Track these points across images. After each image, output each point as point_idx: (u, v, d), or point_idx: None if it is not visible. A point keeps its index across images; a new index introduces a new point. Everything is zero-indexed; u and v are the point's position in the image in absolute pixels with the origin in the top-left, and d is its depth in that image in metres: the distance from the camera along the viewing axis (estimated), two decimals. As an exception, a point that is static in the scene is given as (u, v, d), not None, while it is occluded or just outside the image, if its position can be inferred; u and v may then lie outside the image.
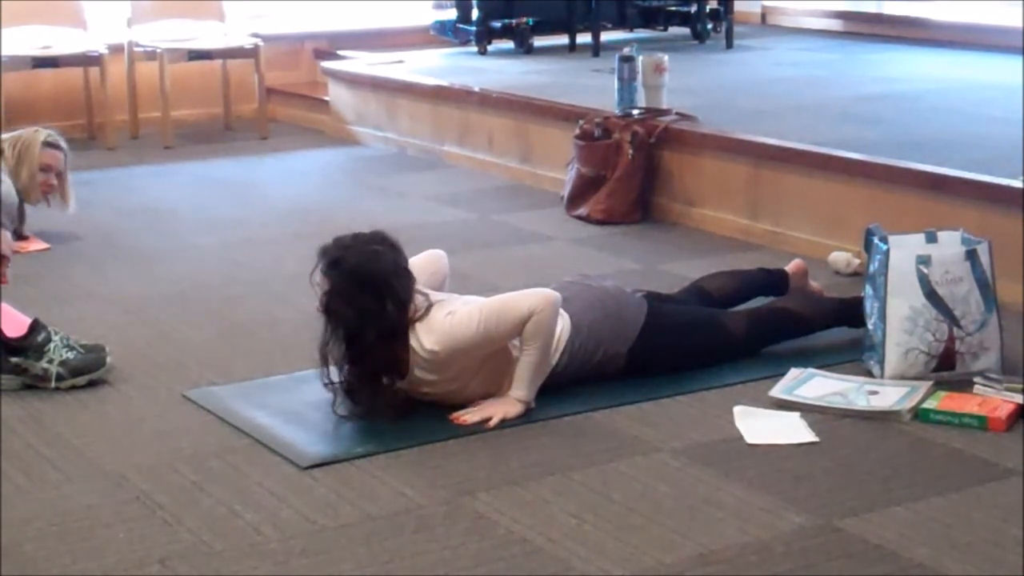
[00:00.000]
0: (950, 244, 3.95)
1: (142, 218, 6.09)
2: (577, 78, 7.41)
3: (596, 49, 8.22)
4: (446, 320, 3.61)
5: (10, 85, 7.48)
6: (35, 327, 3.97)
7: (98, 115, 7.86)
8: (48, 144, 5.57)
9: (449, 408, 3.67)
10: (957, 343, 3.85)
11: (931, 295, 3.83)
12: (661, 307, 4.02)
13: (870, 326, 3.96)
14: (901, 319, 3.85)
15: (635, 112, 6.00)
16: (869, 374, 3.93)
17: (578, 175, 5.98)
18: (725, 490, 3.22)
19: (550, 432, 3.59)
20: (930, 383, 3.80)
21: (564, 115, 6.39)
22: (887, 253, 3.88)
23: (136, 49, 7.87)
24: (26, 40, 7.71)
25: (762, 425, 3.60)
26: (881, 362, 3.88)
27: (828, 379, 3.87)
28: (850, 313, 4.17)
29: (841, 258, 5.00)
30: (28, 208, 5.59)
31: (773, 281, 4.51)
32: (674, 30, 8.85)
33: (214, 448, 3.52)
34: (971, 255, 3.87)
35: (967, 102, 6.51)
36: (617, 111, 6.05)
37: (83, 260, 5.41)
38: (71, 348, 3.98)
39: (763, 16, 9.66)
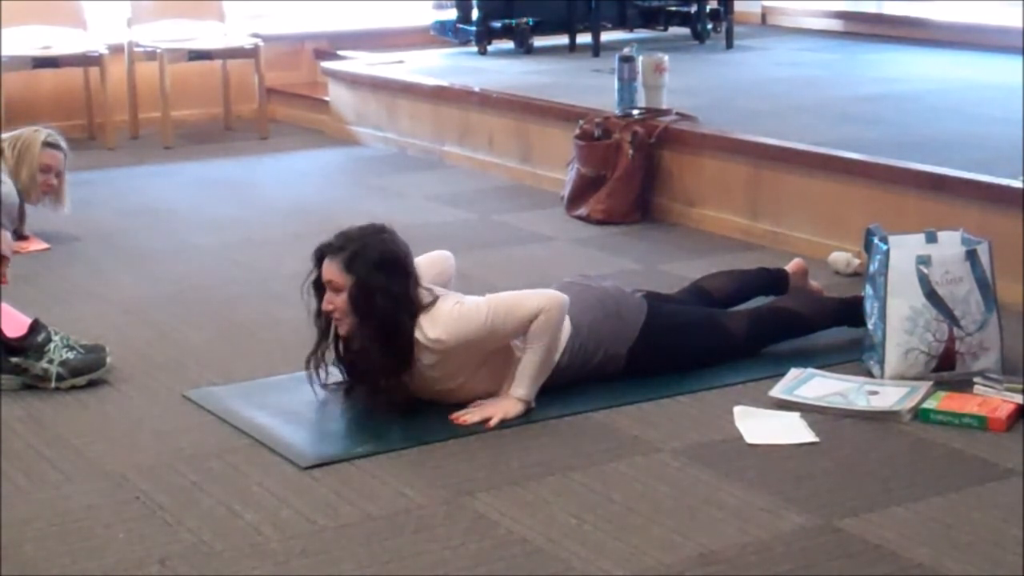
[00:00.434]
0: (950, 244, 3.95)
1: (142, 218, 6.09)
2: (577, 78, 7.41)
3: (596, 49, 8.22)
4: (454, 309, 3.62)
5: (10, 85, 7.48)
6: (35, 327, 3.98)
7: (98, 115, 7.85)
8: (48, 144, 5.57)
9: (451, 407, 3.67)
10: (957, 343, 3.85)
11: (931, 295, 3.83)
12: (661, 307, 4.02)
13: (870, 326, 3.96)
14: (901, 319, 3.85)
15: (635, 112, 6.00)
16: (869, 374, 3.93)
17: (578, 175, 5.98)
18: (725, 490, 3.22)
19: (550, 432, 3.59)
20: (930, 383, 3.80)
21: (564, 115, 6.39)
22: (887, 253, 3.88)
23: (136, 49, 7.87)
24: (26, 40, 7.71)
25: (762, 425, 3.60)
26: (881, 362, 3.88)
27: (828, 379, 3.87)
28: (850, 313, 4.17)
29: (841, 258, 5.00)
30: (28, 208, 5.59)
31: (773, 280, 4.51)
32: (674, 30, 8.85)
33: (214, 448, 3.52)
34: (971, 255, 3.87)
35: (967, 102, 6.51)
36: (617, 111, 6.05)
37: (83, 260, 5.40)
38: (71, 348, 3.98)
39: (763, 16, 9.66)
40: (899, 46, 8.40)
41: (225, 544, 3.00)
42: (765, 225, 5.47)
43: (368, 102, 7.83)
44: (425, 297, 3.66)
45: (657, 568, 2.86)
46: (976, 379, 3.76)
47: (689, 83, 6.84)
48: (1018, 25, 7.74)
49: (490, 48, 8.44)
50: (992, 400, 3.64)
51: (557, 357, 3.75)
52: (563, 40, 8.55)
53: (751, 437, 3.53)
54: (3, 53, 7.44)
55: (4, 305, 4.03)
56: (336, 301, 3.63)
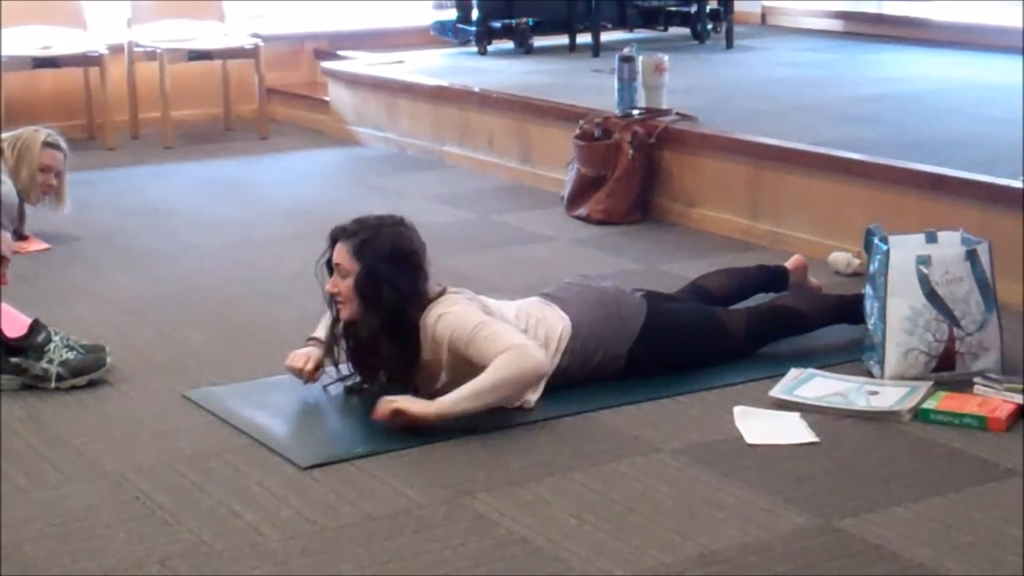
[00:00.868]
0: (950, 244, 3.95)
1: (142, 218, 6.09)
2: (577, 78, 7.41)
3: (596, 49, 8.22)
4: (458, 306, 3.63)
5: (10, 85, 7.48)
6: (35, 327, 3.97)
7: (98, 115, 7.85)
8: (48, 144, 5.57)
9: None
10: (957, 343, 3.85)
11: (931, 295, 3.83)
12: (660, 307, 4.01)
13: (870, 326, 3.96)
14: (901, 319, 3.85)
15: (635, 112, 6.00)
16: (869, 374, 3.93)
17: (578, 175, 5.98)
18: (725, 490, 3.22)
19: (550, 432, 3.59)
20: (930, 383, 3.80)
21: (564, 115, 6.39)
22: (887, 253, 3.88)
23: (136, 49, 7.87)
24: (26, 40, 7.71)
25: (762, 425, 3.60)
26: (881, 362, 3.88)
27: (828, 379, 3.87)
28: (850, 310, 4.17)
29: (841, 258, 5.01)
30: (28, 208, 5.59)
31: (773, 277, 4.52)
32: (674, 30, 8.85)
33: (214, 448, 3.52)
34: (971, 255, 3.87)
35: (967, 102, 6.51)
36: (617, 111, 6.05)
37: (83, 260, 5.40)
38: (71, 348, 3.98)
39: (763, 16, 9.66)
40: (899, 46, 8.40)
41: (225, 544, 3.00)
42: (765, 225, 5.47)
43: (368, 102, 7.83)
44: (434, 290, 3.67)
45: (657, 568, 2.86)
46: (976, 379, 3.76)
47: (689, 83, 6.84)
48: (1018, 25, 7.74)
49: (490, 48, 8.44)
50: (992, 400, 3.64)
51: (556, 358, 3.75)
52: (563, 40, 8.55)
53: (751, 437, 3.53)
54: (3, 53, 7.44)
55: (4, 305, 4.03)
56: (341, 285, 3.66)
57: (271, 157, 7.50)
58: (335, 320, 3.76)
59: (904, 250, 3.89)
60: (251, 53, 7.96)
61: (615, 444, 3.51)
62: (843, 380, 3.86)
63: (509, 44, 8.49)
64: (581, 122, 6.05)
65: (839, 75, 7.52)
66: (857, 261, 4.90)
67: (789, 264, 4.56)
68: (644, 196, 5.88)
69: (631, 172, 5.83)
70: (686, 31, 8.80)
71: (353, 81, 8.00)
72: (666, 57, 6.06)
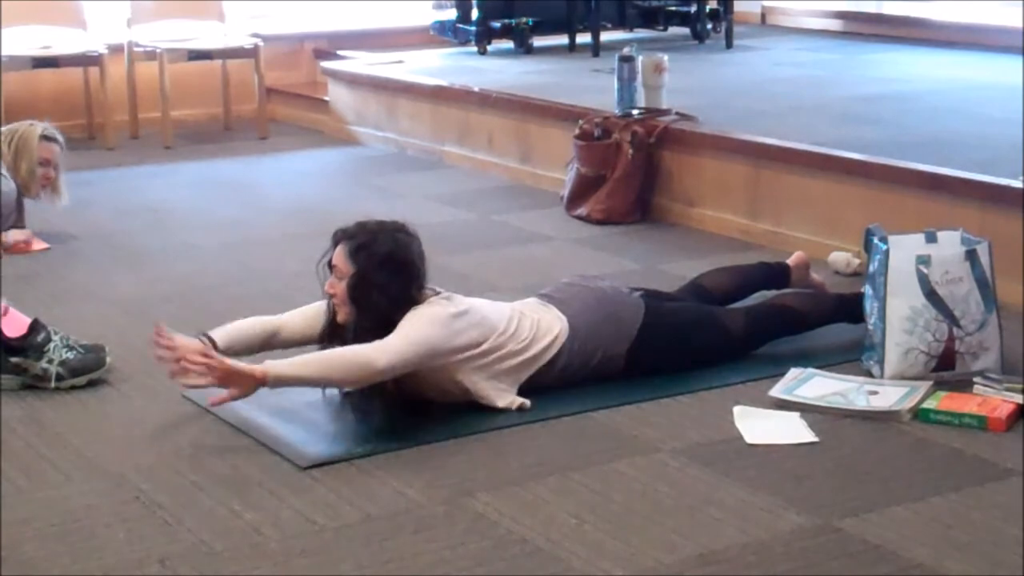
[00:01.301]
0: (950, 244, 3.95)
1: (142, 218, 6.09)
2: (577, 78, 7.41)
3: (596, 49, 8.22)
4: (433, 308, 3.62)
5: (10, 85, 7.48)
6: (35, 327, 3.97)
7: (98, 115, 7.86)
8: (45, 137, 5.58)
9: (451, 407, 3.66)
10: (957, 343, 3.85)
11: (931, 295, 3.83)
12: (659, 307, 4.01)
13: (870, 326, 3.96)
14: (901, 319, 3.85)
15: (635, 112, 6.00)
16: (869, 374, 3.93)
17: (578, 175, 5.98)
18: (725, 490, 3.22)
19: (550, 432, 3.59)
20: (930, 383, 3.80)
21: (564, 115, 6.39)
22: (887, 253, 3.88)
23: (136, 49, 7.87)
24: (26, 40, 7.71)
25: (762, 425, 3.60)
26: (881, 362, 3.88)
27: (828, 379, 3.87)
28: (850, 309, 4.17)
29: (841, 258, 5.01)
30: (27, 203, 5.59)
31: (774, 274, 4.52)
32: (674, 30, 8.85)
33: (214, 448, 3.52)
34: (971, 255, 3.87)
35: (967, 102, 6.51)
36: (617, 111, 6.05)
37: (83, 260, 5.40)
38: (71, 348, 3.98)
39: (763, 16, 9.66)
40: (899, 46, 8.40)
41: (225, 544, 3.00)
42: (765, 225, 5.47)
43: (368, 102, 7.83)
44: (427, 295, 3.67)
45: (657, 568, 2.86)
46: (976, 379, 3.76)
47: (689, 83, 6.84)
48: (1018, 25, 7.74)
49: (490, 48, 8.44)
50: (992, 400, 3.64)
51: (551, 355, 3.74)
52: (563, 40, 8.55)
53: (751, 437, 3.53)
54: (3, 53, 7.44)
55: (4, 305, 4.03)
56: (337, 287, 3.67)
57: (271, 157, 7.50)
58: (331, 321, 3.76)
59: (904, 250, 3.89)
60: (251, 53, 7.96)
61: (615, 444, 3.51)
62: (843, 380, 3.86)
63: (509, 44, 8.49)
64: (581, 122, 6.05)
65: (839, 75, 7.52)
66: (857, 261, 4.90)
67: (791, 261, 4.56)
68: (644, 196, 5.88)
69: (631, 172, 5.83)
70: (686, 31, 8.80)
71: (353, 81, 8.00)
72: (666, 57, 6.06)
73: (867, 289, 4.01)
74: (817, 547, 2.94)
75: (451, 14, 8.64)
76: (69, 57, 7.71)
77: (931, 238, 3.97)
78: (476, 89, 7.09)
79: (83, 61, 7.75)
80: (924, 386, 3.77)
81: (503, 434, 3.57)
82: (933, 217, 4.54)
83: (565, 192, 6.04)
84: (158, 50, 7.75)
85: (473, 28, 8.43)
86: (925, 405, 3.64)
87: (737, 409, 3.70)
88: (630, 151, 5.82)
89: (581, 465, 3.37)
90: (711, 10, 8.75)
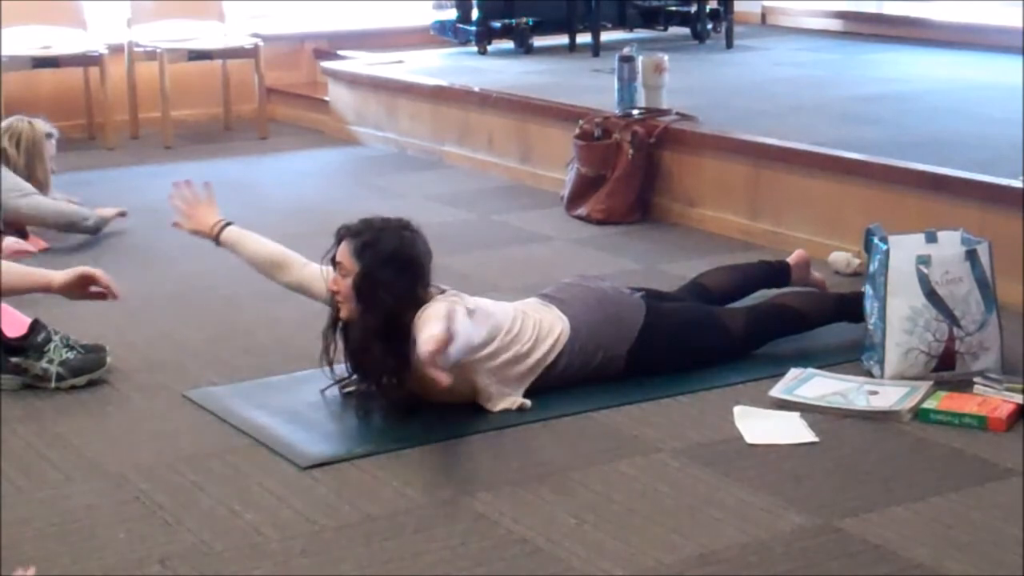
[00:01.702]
0: (950, 244, 3.95)
1: (142, 218, 6.08)
2: (577, 78, 7.41)
3: (596, 49, 8.22)
4: (446, 302, 3.62)
5: (10, 85, 7.47)
6: (35, 327, 3.98)
7: (98, 115, 7.85)
8: (48, 135, 5.61)
9: (451, 407, 3.66)
10: (957, 343, 3.85)
11: (931, 295, 3.83)
12: (660, 307, 4.01)
13: (870, 326, 3.96)
14: (901, 319, 3.85)
15: (635, 112, 6.00)
16: (869, 374, 3.93)
17: (578, 175, 5.98)
18: (725, 490, 3.22)
19: (550, 432, 3.59)
20: (930, 383, 3.80)
21: (564, 115, 6.39)
22: (887, 253, 3.88)
23: (136, 49, 7.87)
24: (26, 40, 7.71)
25: (762, 425, 3.60)
26: (881, 362, 3.88)
27: (828, 379, 3.87)
28: (850, 308, 4.16)
29: (841, 258, 5.01)
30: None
31: (774, 273, 4.52)
32: (674, 30, 8.85)
33: (214, 448, 3.52)
34: (971, 255, 3.87)
35: (967, 102, 6.51)
36: (617, 111, 6.05)
37: (83, 260, 5.38)
38: (71, 348, 3.98)
39: (763, 16, 9.66)
40: (899, 46, 8.40)
41: (225, 544, 3.00)
42: (765, 225, 5.47)
43: (368, 102, 7.83)
44: (433, 294, 3.67)
45: (657, 568, 2.86)
46: (976, 379, 3.76)
47: (689, 83, 6.84)
48: (1018, 25, 7.74)
49: (490, 48, 8.44)
50: (992, 400, 3.64)
51: (553, 356, 3.74)
52: (563, 40, 8.55)
53: (751, 437, 3.53)
54: (3, 53, 7.44)
55: (4, 305, 4.04)
56: (341, 284, 3.66)
57: (271, 157, 7.50)
58: (334, 318, 3.76)
59: (904, 250, 3.89)
60: (251, 53, 7.96)
61: (615, 444, 3.51)
62: (843, 380, 3.86)
63: (509, 44, 8.49)
64: (581, 122, 6.05)
65: (839, 75, 7.52)
66: (857, 261, 4.90)
67: (791, 259, 4.56)
68: (644, 196, 5.88)
69: (631, 172, 5.83)
70: (686, 31, 8.80)
71: (353, 81, 8.00)
72: (666, 57, 6.06)
73: (867, 289, 4.01)
74: (817, 547, 2.94)
75: (451, 14, 8.63)
76: (69, 57, 7.71)
77: (931, 238, 3.97)
78: (476, 89, 7.09)
79: (83, 61, 7.75)
80: (924, 386, 3.77)
81: (503, 434, 3.57)
82: (933, 217, 4.54)
83: (565, 192, 6.04)
84: (158, 50, 7.75)
85: (473, 28, 8.43)
86: (925, 405, 3.64)
87: (737, 409, 3.70)
88: (630, 151, 5.82)
89: (581, 465, 3.37)
90: (711, 10, 8.75)
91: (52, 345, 3.95)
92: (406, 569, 2.88)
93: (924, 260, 3.84)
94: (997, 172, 4.80)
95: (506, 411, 3.67)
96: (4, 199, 5.31)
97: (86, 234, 5.61)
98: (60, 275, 3.86)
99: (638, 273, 5.00)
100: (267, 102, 8.14)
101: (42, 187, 5.54)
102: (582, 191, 5.95)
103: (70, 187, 5.80)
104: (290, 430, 3.63)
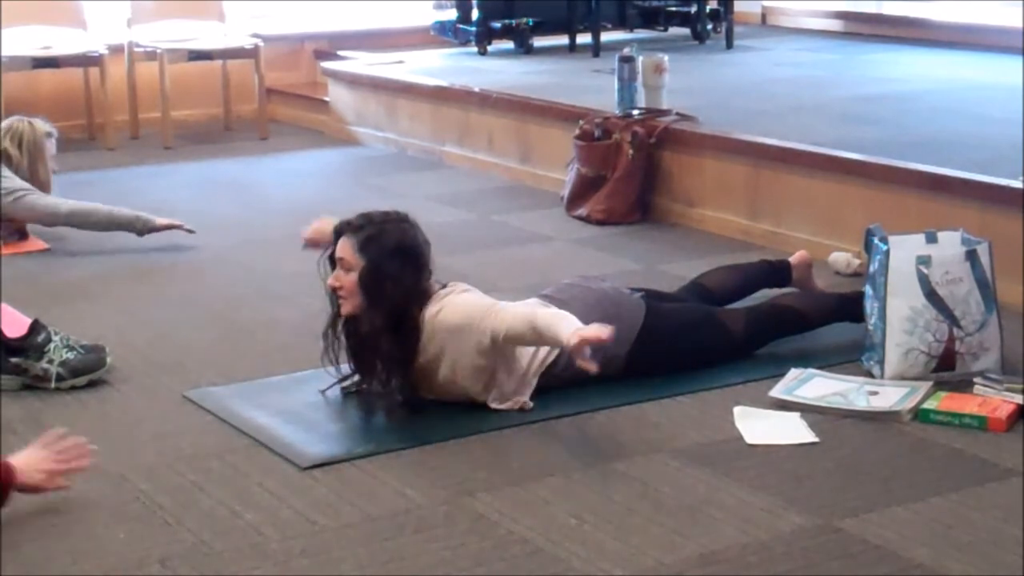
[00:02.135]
0: (950, 244, 3.95)
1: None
2: (577, 78, 7.41)
3: (596, 49, 8.22)
4: (462, 295, 3.65)
5: (10, 85, 7.47)
6: (35, 327, 3.97)
7: (98, 115, 7.85)
8: (48, 135, 5.61)
9: (452, 407, 3.66)
10: (957, 343, 3.85)
11: (931, 295, 3.83)
12: (659, 307, 4.01)
13: (870, 326, 3.96)
14: (901, 319, 3.85)
15: (635, 112, 6.00)
16: (869, 374, 3.93)
17: (578, 175, 5.98)
18: (725, 490, 3.22)
19: (550, 432, 3.59)
20: (930, 383, 3.80)
21: (564, 115, 6.39)
22: (887, 253, 3.88)
23: (136, 49, 7.87)
24: (26, 40, 7.71)
25: (762, 425, 3.60)
26: (881, 362, 3.88)
27: (828, 379, 3.87)
28: (850, 308, 4.16)
29: (841, 258, 5.01)
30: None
31: (775, 273, 4.52)
32: (674, 30, 8.85)
33: (214, 448, 3.52)
34: (971, 255, 3.87)
35: (967, 102, 6.51)
36: (617, 111, 6.05)
37: (83, 260, 5.40)
38: (71, 348, 3.98)
39: (763, 16, 9.66)
40: (899, 46, 8.40)
41: (225, 544, 3.00)
42: (765, 225, 5.47)
43: (368, 102, 7.83)
44: (435, 287, 3.67)
45: (657, 568, 2.86)
46: (976, 379, 3.76)
47: (689, 83, 6.84)
48: (1018, 25, 7.74)
49: (490, 48, 8.44)
50: (992, 400, 3.64)
51: (553, 356, 3.75)
52: (563, 40, 8.55)
53: (751, 437, 3.53)
54: (3, 53, 7.44)
55: (4, 305, 4.04)
56: (344, 280, 3.66)
57: (271, 157, 7.50)
58: (335, 315, 3.76)
59: (904, 250, 3.89)
60: (251, 53, 7.96)
61: (615, 444, 3.51)
62: (843, 380, 3.86)
63: (509, 44, 8.49)
64: (581, 122, 6.05)
65: (839, 75, 7.52)
66: (857, 261, 4.90)
67: (793, 260, 4.56)
68: (644, 196, 5.88)
69: (631, 172, 5.83)
70: (686, 31, 8.80)
71: (353, 81, 8.00)
72: (666, 57, 6.06)
73: (867, 289, 4.01)
74: (817, 547, 2.94)
75: (451, 14, 8.63)
76: (69, 57, 7.71)
77: (931, 238, 3.97)
78: (476, 89, 7.09)
79: (83, 61, 7.75)
80: (924, 386, 3.77)
81: (503, 434, 3.57)
82: (933, 217, 4.54)
83: (565, 192, 6.04)
84: (158, 50, 7.75)
85: (473, 28, 8.43)
86: (925, 405, 3.64)
87: (737, 409, 3.70)
88: (630, 151, 5.82)
89: (581, 465, 3.37)
90: (711, 10, 8.75)
91: (52, 345, 3.95)
92: (406, 569, 2.88)
93: (924, 260, 3.84)
94: (997, 172, 4.80)
95: (506, 411, 3.67)
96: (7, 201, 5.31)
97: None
98: None
99: (638, 273, 5.00)
100: (267, 102, 8.14)
101: (44, 187, 5.54)
102: (582, 191, 5.95)
103: (70, 187, 5.80)
104: (290, 430, 3.63)
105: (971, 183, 4.76)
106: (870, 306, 3.97)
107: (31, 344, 3.94)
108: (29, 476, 3.12)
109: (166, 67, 7.71)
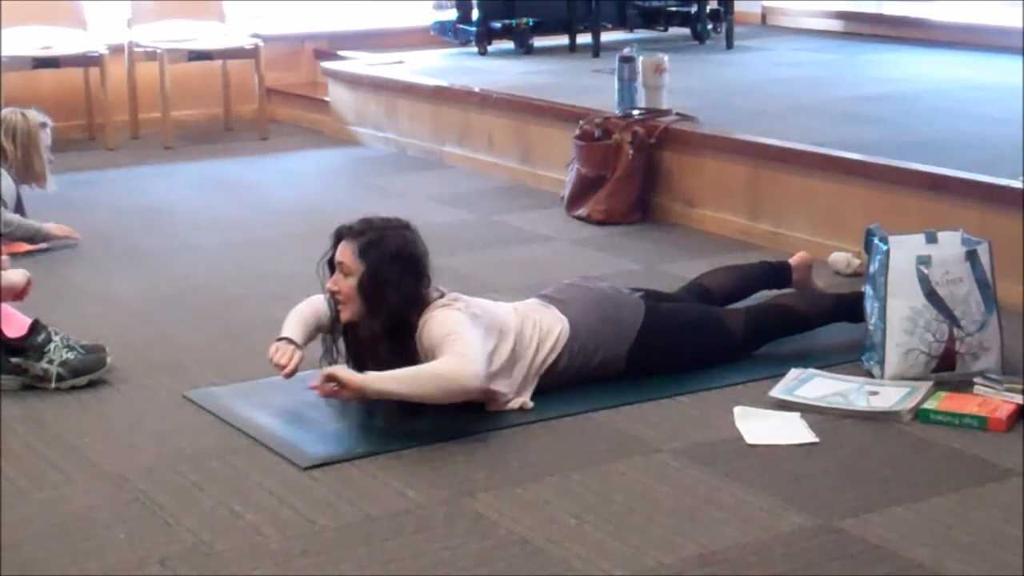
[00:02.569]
0: (950, 244, 3.95)
1: (142, 218, 6.09)
2: (577, 78, 7.41)
3: (596, 49, 8.22)
4: (447, 310, 3.63)
5: (10, 85, 7.47)
6: (35, 327, 3.98)
7: (98, 115, 7.86)
8: (43, 125, 5.60)
9: (452, 407, 3.66)
10: (957, 343, 3.85)
11: (931, 295, 3.83)
12: (659, 307, 4.01)
13: (870, 326, 3.96)
14: (901, 319, 3.85)
15: (635, 112, 6.00)
16: (869, 375, 3.93)
17: (578, 175, 5.98)
18: (725, 490, 3.22)
19: (550, 432, 3.59)
20: (930, 383, 3.80)
21: (564, 115, 6.39)
22: (887, 253, 3.88)
23: (136, 49, 7.87)
24: (26, 40, 7.72)
25: (762, 425, 3.60)
26: (881, 362, 3.88)
27: (828, 379, 3.87)
28: (850, 308, 4.16)
29: (841, 258, 5.01)
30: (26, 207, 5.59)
31: (775, 274, 4.52)
32: (674, 30, 8.85)
33: (214, 448, 3.52)
34: (971, 255, 3.87)
35: (967, 102, 6.51)
36: (617, 111, 6.05)
37: (83, 260, 5.40)
38: (71, 348, 3.98)
39: (763, 16, 9.66)
40: (899, 46, 8.40)
41: (225, 544, 3.00)
42: (765, 225, 5.47)
43: (368, 102, 7.83)
44: (434, 295, 3.67)
45: (657, 568, 2.86)
46: (976, 379, 3.76)
47: (689, 83, 6.84)
48: (1018, 25, 7.74)
49: (490, 48, 8.44)
50: (992, 400, 3.64)
51: (553, 357, 3.74)
52: (563, 40, 8.55)
53: (751, 437, 3.53)
54: (3, 53, 7.44)
55: (4, 305, 4.04)
56: (343, 284, 3.66)
57: (271, 157, 7.50)
58: (334, 320, 3.76)
59: (904, 250, 3.88)
60: (251, 53, 7.96)
61: (615, 444, 3.51)
62: (843, 380, 3.86)
63: (509, 44, 8.49)
64: (581, 122, 6.05)
65: (839, 75, 7.52)
66: (857, 261, 4.90)
67: (793, 260, 4.56)
68: (644, 196, 5.88)
69: (631, 172, 5.83)
70: (686, 31, 8.80)
71: (353, 81, 8.00)
72: (666, 57, 6.06)
73: (867, 289, 4.01)
74: (817, 547, 2.94)
75: (451, 14, 8.64)
76: (69, 57, 7.71)
77: (931, 238, 3.97)
78: (476, 89, 7.09)
79: (83, 61, 7.75)
80: (924, 386, 3.77)
81: (503, 434, 3.57)
82: (933, 217, 4.54)
83: (565, 192, 6.04)
84: (158, 50, 7.75)
85: (473, 28, 8.43)
86: (925, 405, 3.64)
87: (737, 409, 3.70)
88: (630, 151, 5.82)
89: (581, 465, 3.37)
90: (711, 10, 8.75)
91: (52, 345, 3.95)
92: (406, 569, 2.88)
93: (924, 260, 3.84)
94: (997, 172, 4.80)
95: (506, 411, 3.67)
96: None
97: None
98: None
99: (638, 273, 5.00)
100: (267, 102, 8.14)
101: (39, 179, 5.54)
102: (582, 191, 5.95)
103: (70, 187, 5.80)
104: (290, 430, 3.63)
105: (971, 183, 4.76)
106: (870, 306, 3.97)
107: (31, 344, 3.94)
108: None
109: (166, 67, 7.71)
